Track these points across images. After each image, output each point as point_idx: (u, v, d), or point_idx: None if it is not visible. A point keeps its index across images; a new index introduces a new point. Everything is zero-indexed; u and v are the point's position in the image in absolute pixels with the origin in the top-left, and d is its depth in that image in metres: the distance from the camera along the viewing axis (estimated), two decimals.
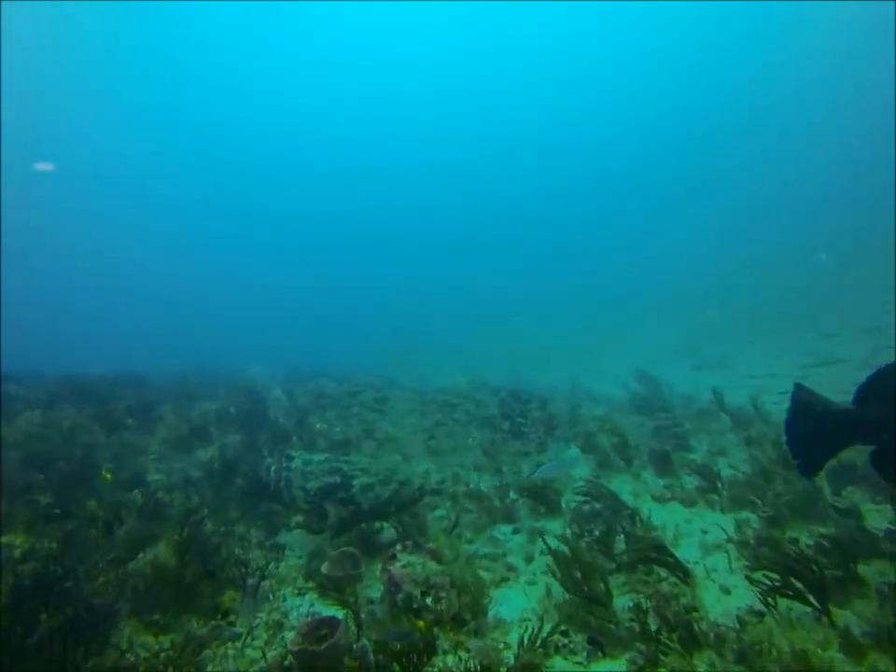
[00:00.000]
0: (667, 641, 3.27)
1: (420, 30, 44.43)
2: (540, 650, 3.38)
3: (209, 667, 3.48)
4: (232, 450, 7.70)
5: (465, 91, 48.67)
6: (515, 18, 42.17)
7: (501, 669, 3.27)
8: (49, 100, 41.51)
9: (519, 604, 4.21)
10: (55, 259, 49.71)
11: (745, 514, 5.35)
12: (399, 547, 4.43)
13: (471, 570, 4.28)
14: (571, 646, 3.53)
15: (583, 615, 3.72)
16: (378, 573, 4.37)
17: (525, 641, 3.40)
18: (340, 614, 3.76)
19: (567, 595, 3.94)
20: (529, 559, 4.99)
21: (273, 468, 6.81)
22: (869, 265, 20.78)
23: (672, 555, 4.22)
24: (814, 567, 3.43)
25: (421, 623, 3.53)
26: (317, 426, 9.16)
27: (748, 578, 3.88)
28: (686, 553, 4.67)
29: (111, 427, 8.30)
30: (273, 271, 52.00)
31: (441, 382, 14.44)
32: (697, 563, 4.51)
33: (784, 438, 3.55)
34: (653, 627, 3.41)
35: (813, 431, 3.40)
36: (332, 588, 4.30)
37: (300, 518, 5.68)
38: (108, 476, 6.00)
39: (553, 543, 4.58)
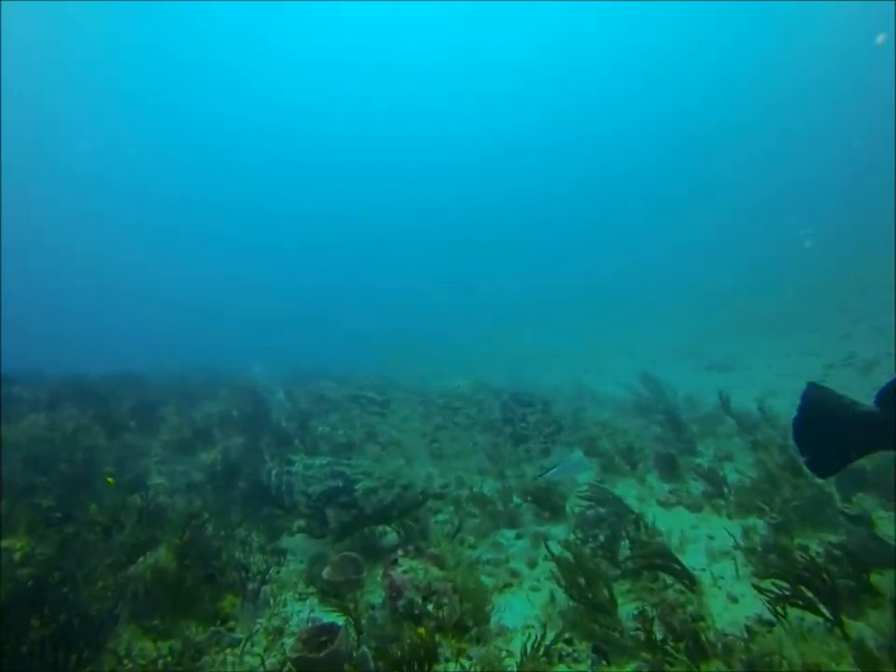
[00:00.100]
0: (673, 651, 3.19)
1: (420, 30, 44.43)
2: (544, 658, 3.31)
3: None
4: (235, 453, 7.66)
5: (465, 91, 48.69)
6: (515, 18, 42.18)
7: None
8: (49, 100, 41.50)
9: (522, 611, 4.14)
10: (55, 258, 49.80)
11: (752, 520, 5.27)
12: (400, 552, 4.36)
13: (474, 576, 4.21)
14: (575, 654, 3.46)
15: (587, 623, 3.65)
16: (379, 578, 4.32)
17: (529, 649, 3.33)
18: (340, 620, 3.71)
19: (570, 602, 3.88)
20: (533, 565, 4.92)
21: (274, 471, 6.76)
22: (869, 265, 20.73)
23: (678, 562, 4.15)
24: (825, 576, 3.34)
25: (422, 630, 3.47)
26: (320, 429, 9.11)
27: (756, 586, 3.78)
28: (692, 559, 4.60)
29: (113, 429, 8.26)
30: (272, 271, 52.07)
31: (441, 382, 14.40)
32: (704, 570, 4.44)
33: (792, 435, 3.43)
34: (659, 636, 3.33)
35: (830, 430, 3.26)
36: (333, 594, 4.25)
37: (301, 522, 5.63)
38: (111, 481, 5.95)
39: (557, 549, 4.52)
